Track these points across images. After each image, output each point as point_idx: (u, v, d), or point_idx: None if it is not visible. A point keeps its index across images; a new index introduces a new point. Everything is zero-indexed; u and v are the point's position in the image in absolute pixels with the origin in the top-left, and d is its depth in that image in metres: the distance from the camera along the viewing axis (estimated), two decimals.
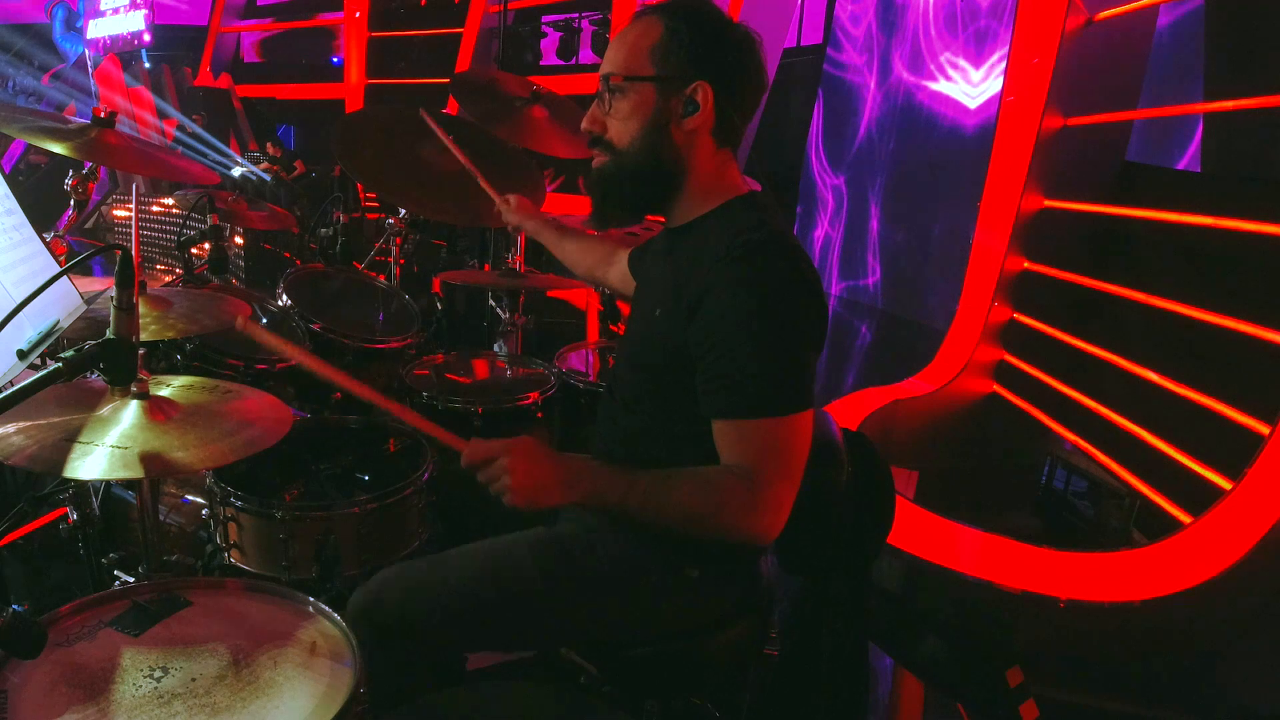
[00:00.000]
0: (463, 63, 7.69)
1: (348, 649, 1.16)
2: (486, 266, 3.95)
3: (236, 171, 7.87)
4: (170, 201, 6.39)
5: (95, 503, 2.03)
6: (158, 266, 5.92)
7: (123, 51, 10.34)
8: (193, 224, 2.75)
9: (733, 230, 1.28)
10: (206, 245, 2.63)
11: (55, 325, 1.48)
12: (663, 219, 1.45)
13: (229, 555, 1.81)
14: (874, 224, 6.63)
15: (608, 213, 1.44)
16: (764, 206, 1.36)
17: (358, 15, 8.67)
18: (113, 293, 1.17)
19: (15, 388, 1.03)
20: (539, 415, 2.39)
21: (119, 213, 7.08)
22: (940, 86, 5.83)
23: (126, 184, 8.01)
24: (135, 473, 1.29)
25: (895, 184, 6.35)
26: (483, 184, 2.06)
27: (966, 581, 2.45)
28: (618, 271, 1.79)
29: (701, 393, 1.27)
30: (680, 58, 1.30)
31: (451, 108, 6.24)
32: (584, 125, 1.39)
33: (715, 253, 1.26)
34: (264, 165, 8.07)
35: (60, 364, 1.07)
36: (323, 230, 3.25)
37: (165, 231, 6.31)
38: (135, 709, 1.03)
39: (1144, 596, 2.27)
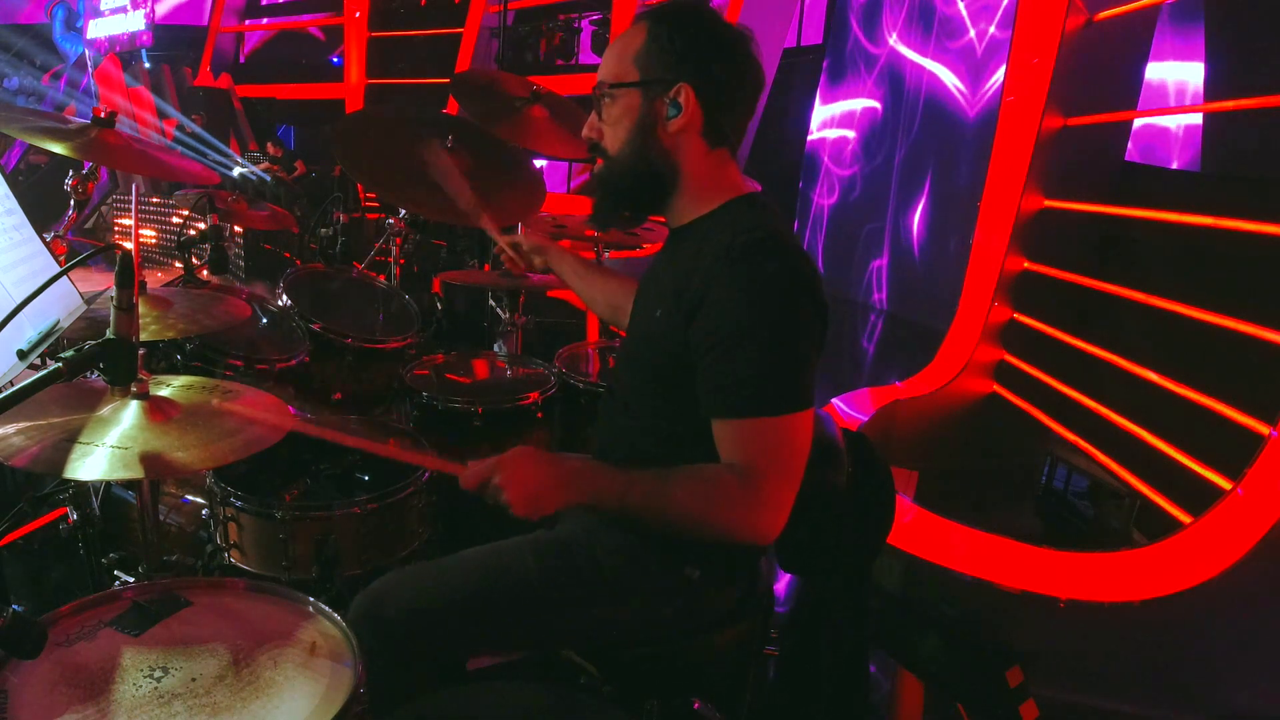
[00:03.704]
0: (463, 63, 7.69)
1: (348, 649, 1.16)
2: (486, 266, 3.94)
3: (236, 171, 7.86)
4: (158, 200, 6.39)
5: (95, 503, 2.03)
6: (158, 273, 5.93)
7: (123, 51, 10.34)
8: (193, 224, 2.75)
9: (732, 230, 1.29)
10: (207, 245, 2.63)
11: (55, 325, 1.48)
12: (664, 220, 1.46)
13: (229, 555, 1.81)
14: (873, 224, 6.63)
15: (606, 215, 1.47)
16: (763, 206, 1.36)
17: (358, 15, 8.66)
18: (113, 293, 1.16)
19: (15, 388, 1.03)
20: (539, 415, 2.39)
21: (124, 221, 7.08)
22: (939, 73, 5.82)
23: (126, 184, 8.01)
24: (135, 473, 1.29)
25: (895, 184, 6.35)
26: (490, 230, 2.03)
27: (966, 581, 2.45)
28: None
29: (702, 393, 1.27)
30: (661, 61, 1.30)
31: (452, 108, 6.23)
32: (584, 133, 1.41)
33: (714, 253, 1.27)
34: (264, 165, 8.06)
35: (60, 364, 1.07)
36: (323, 230, 3.25)
37: (165, 232, 6.32)
38: (135, 709, 1.03)
39: (1144, 596, 2.26)
